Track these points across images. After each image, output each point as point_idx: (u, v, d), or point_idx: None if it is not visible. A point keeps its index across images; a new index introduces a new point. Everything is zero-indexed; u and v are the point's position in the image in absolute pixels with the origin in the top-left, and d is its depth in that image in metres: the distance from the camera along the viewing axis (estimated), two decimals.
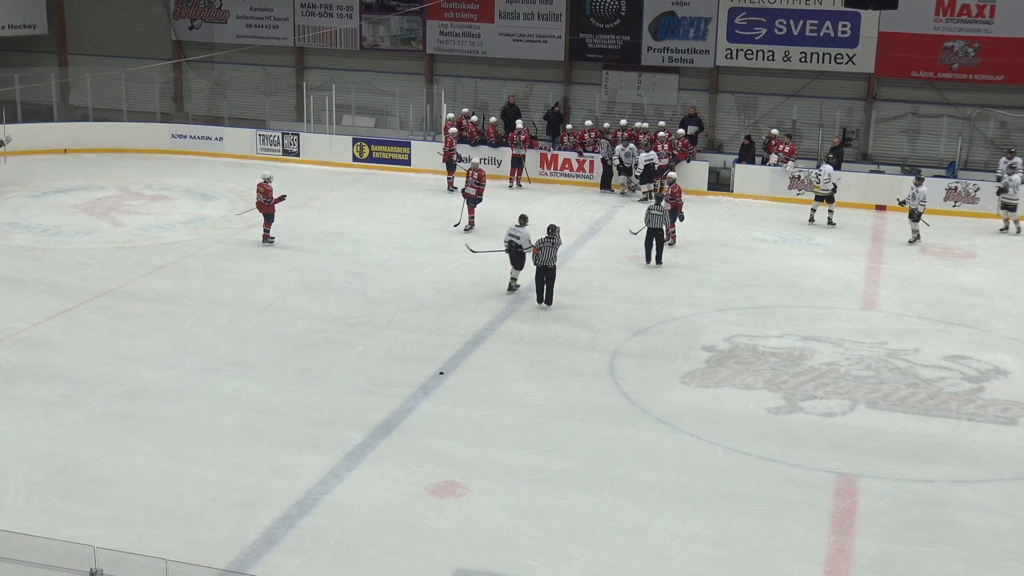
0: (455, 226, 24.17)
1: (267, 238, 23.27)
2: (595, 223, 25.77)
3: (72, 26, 37.60)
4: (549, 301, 19.30)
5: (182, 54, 35.92)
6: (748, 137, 30.21)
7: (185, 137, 33.28)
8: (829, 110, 31.23)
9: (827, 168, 26.74)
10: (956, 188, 27.80)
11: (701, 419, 14.93)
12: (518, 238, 19.95)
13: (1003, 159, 28.05)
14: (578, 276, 21.41)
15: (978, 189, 27.62)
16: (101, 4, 36.97)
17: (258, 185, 23.38)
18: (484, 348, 17.46)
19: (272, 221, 23.37)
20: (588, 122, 31.03)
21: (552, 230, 19.44)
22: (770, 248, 23.94)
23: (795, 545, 11.82)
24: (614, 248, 23.41)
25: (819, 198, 26.37)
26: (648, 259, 22.17)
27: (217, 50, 34.69)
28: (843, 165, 29.41)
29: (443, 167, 29.32)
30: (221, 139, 33.07)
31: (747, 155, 29.71)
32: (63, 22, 37.49)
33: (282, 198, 23.51)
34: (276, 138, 32.67)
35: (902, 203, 25.13)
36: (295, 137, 32.53)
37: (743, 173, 29.29)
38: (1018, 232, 25.87)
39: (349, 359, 16.80)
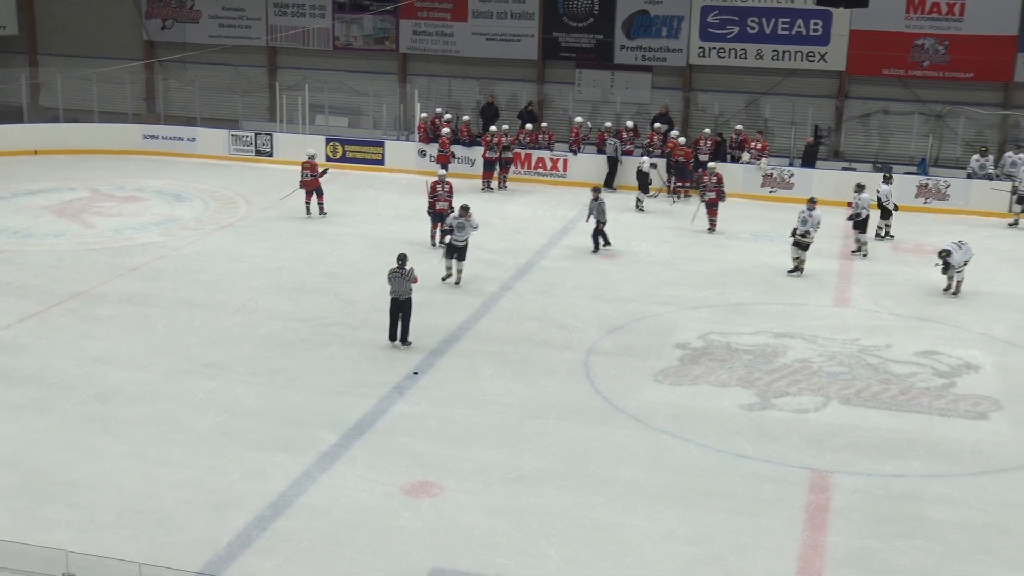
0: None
1: (322, 211, 25.59)
2: (569, 222, 25.79)
3: (42, 26, 37.39)
4: (404, 339, 17.33)
5: (154, 54, 35.77)
6: (719, 135, 30.32)
7: (157, 138, 33.09)
8: (801, 108, 31.39)
9: (885, 188, 26.33)
10: (927, 185, 27.98)
11: (675, 417, 14.97)
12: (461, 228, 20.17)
13: (1009, 154, 28.23)
14: (552, 275, 21.44)
15: (948, 186, 27.82)
16: (71, 4, 36.76)
17: (303, 163, 25.57)
18: (458, 347, 17.45)
19: (323, 195, 25.61)
20: (579, 118, 31.02)
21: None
22: (743, 246, 24.02)
23: (769, 541, 11.87)
24: (587, 247, 23.43)
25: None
26: (595, 248, 23.04)
27: (189, 50, 34.56)
28: (816, 163, 29.59)
29: (417, 166, 29.27)
30: (193, 140, 32.91)
31: (719, 153, 29.78)
32: (33, 22, 37.27)
33: (325, 171, 25.77)
34: (249, 138, 32.55)
35: (848, 218, 23.99)
36: (268, 137, 32.42)
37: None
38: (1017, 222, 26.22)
39: (323, 360, 16.77)
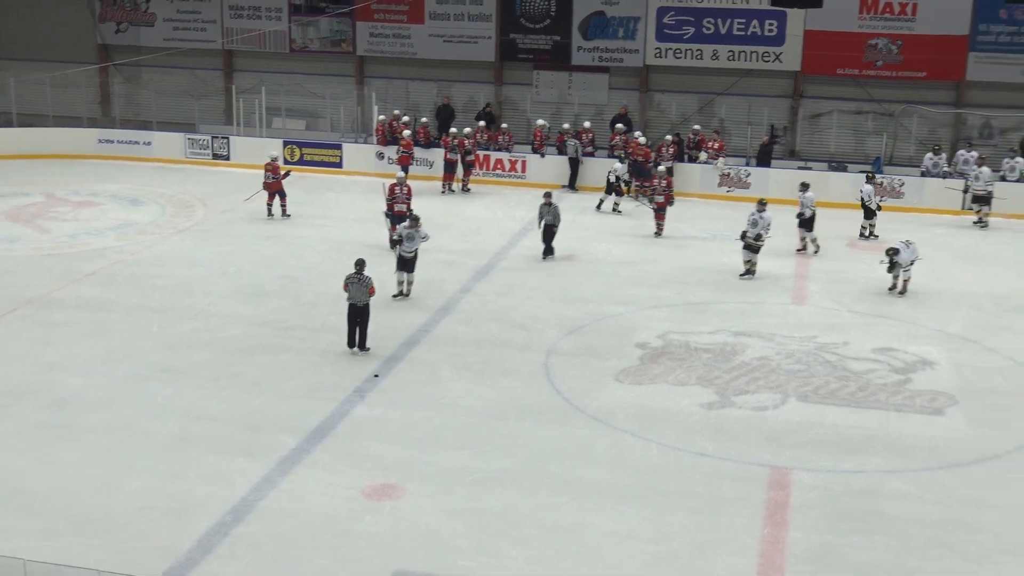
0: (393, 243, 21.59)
1: (284, 213, 25.69)
2: (528, 223, 25.80)
3: None
4: (362, 346, 17.13)
5: (108, 58, 35.51)
6: (677, 135, 30.47)
7: (112, 142, 32.85)
8: (757, 108, 31.62)
9: (986, 171, 26.80)
10: (882, 183, 28.22)
11: (635, 416, 15.03)
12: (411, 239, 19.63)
13: (962, 152, 28.51)
14: (512, 276, 21.46)
15: (903, 184, 28.10)
16: (24, 7, 36.36)
17: (266, 165, 25.67)
18: (419, 349, 17.44)
19: (286, 196, 25.71)
20: (540, 121, 31.07)
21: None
22: (701, 245, 24.15)
23: (729, 539, 11.95)
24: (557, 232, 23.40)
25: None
26: (545, 254, 22.66)
27: (144, 53, 34.29)
28: (771, 162, 29.82)
29: (375, 168, 29.19)
30: (149, 143, 32.70)
31: (677, 153, 29.90)
32: None
33: (287, 174, 25.85)
34: (205, 142, 32.36)
35: (800, 214, 23.89)
36: (225, 141, 32.25)
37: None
38: (981, 221, 26.49)
39: (282, 363, 16.70)
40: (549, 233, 22.60)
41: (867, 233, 25.18)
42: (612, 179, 27.41)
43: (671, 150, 28.89)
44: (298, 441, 14.00)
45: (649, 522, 12.25)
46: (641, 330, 18.51)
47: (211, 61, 35.40)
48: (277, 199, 25.73)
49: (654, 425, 14.76)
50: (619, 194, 27.34)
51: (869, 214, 25.12)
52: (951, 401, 15.84)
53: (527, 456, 13.80)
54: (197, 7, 35.17)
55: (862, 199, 25.15)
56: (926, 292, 20.99)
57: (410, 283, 19.78)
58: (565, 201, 28.33)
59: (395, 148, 30.14)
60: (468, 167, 29.52)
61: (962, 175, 27.77)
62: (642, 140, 29.01)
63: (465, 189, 29.41)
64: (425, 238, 19.85)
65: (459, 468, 13.40)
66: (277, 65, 34.87)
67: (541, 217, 22.73)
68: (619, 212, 26.84)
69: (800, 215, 23.61)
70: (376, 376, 16.21)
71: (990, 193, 26.52)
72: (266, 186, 25.68)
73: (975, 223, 26.59)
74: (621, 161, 27.87)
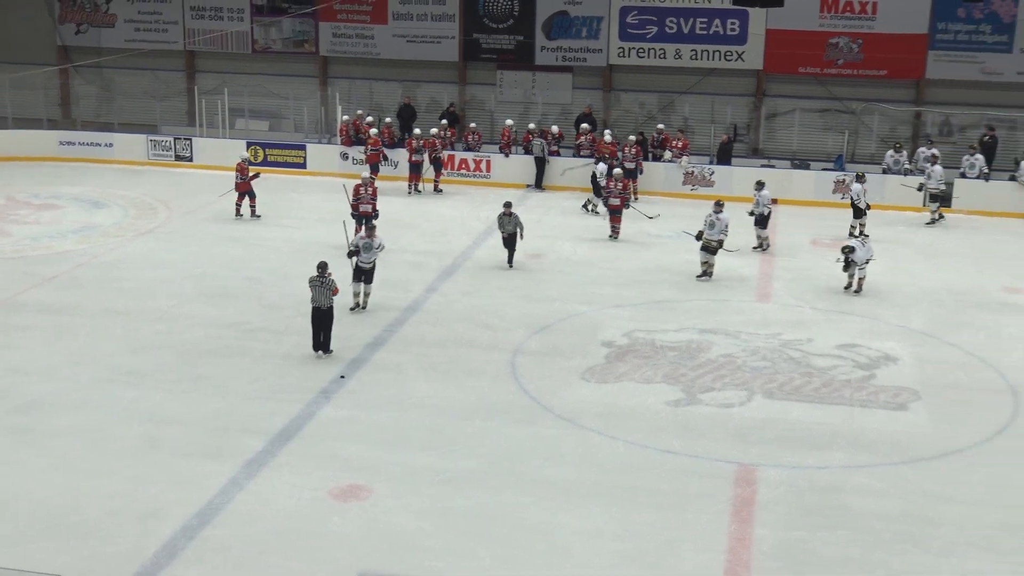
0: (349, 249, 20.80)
1: (253, 213, 25.67)
2: (493, 223, 25.80)
3: None
4: (326, 348, 17.01)
5: (68, 59, 35.21)
6: (641, 134, 30.58)
7: (74, 144, 32.56)
8: (720, 106, 31.77)
9: (939, 169, 26.90)
10: (844, 181, 28.43)
11: (602, 415, 15.08)
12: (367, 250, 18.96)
13: (922, 149, 28.75)
14: (477, 276, 21.48)
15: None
16: None
17: (237, 165, 25.69)
18: (385, 350, 17.41)
19: (255, 197, 25.67)
20: (508, 121, 31.08)
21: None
22: (665, 243, 24.22)
23: (696, 535, 12.01)
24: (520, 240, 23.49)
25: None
26: (510, 262, 22.02)
27: (105, 55, 33.99)
28: (734, 160, 30.00)
29: (339, 169, 29.08)
30: (111, 145, 32.44)
31: (640, 154, 30.02)
32: None
33: (256, 176, 25.74)
34: (168, 143, 32.16)
35: (750, 213, 23.81)
36: (187, 142, 32.06)
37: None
38: (934, 221, 26.67)
39: (248, 365, 16.63)
40: (511, 242, 21.98)
41: (856, 232, 25.04)
42: (602, 182, 27.26)
43: (634, 151, 28.88)
44: (264, 443, 13.95)
45: (616, 520, 12.30)
46: (607, 328, 18.56)
47: (173, 62, 35.17)
48: (247, 200, 25.70)
49: (621, 423, 14.82)
50: (598, 194, 27.33)
51: (859, 213, 24.95)
52: (914, 396, 16.00)
53: (494, 456, 13.82)
54: (158, 8, 34.93)
55: (851, 198, 25.10)
56: (888, 289, 21.18)
57: (367, 295, 19.15)
58: (532, 199, 28.46)
59: (359, 148, 30.15)
60: (438, 168, 29.47)
61: (922, 172, 28.00)
62: (608, 138, 29.10)
63: (437, 190, 29.35)
64: (381, 247, 19.18)
65: (426, 468, 13.40)
66: (240, 66, 34.68)
67: (502, 227, 22.02)
68: (596, 213, 26.74)
69: (752, 213, 23.61)
70: (342, 377, 16.18)
71: (942, 191, 26.76)
72: (236, 186, 25.67)
73: (927, 223, 26.75)
74: (604, 161, 27.87)
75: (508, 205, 22.08)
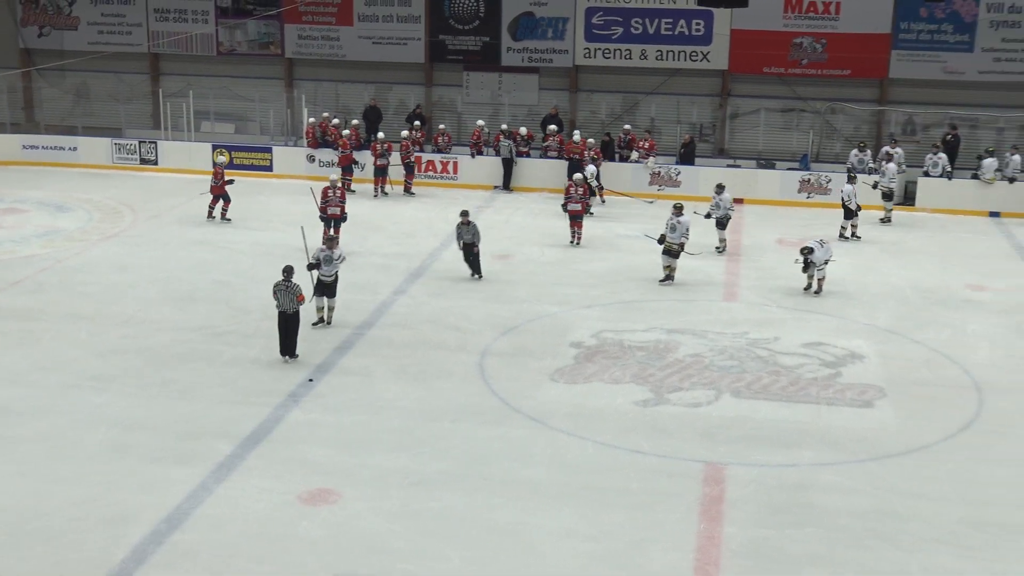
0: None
1: (224, 216, 25.62)
2: None
3: None
4: (292, 353, 16.85)
5: (31, 62, 34.91)
6: (607, 135, 30.68)
7: (37, 148, 32.32)
8: (685, 107, 31.91)
9: (892, 167, 27.13)
10: (809, 180, 28.66)
11: (571, 415, 15.10)
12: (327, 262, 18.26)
13: (886, 148, 28.93)
14: (445, 278, 21.45)
15: (830, 180, 28.50)
16: None
17: (214, 168, 25.86)
18: (353, 353, 17.37)
19: (229, 201, 25.67)
20: (480, 122, 31.07)
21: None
22: (632, 244, 24.27)
23: (666, 535, 12.05)
24: (480, 249, 23.47)
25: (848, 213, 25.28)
26: (473, 273, 21.35)
27: (68, 57, 33.67)
28: (698, 160, 30.14)
29: (306, 171, 28.97)
30: (75, 149, 32.19)
31: (608, 152, 30.12)
32: None
33: (230, 181, 25.67)
34: (133, 147, 31.95)
35: (707, 215, 23.77)
36: (153, 145, 31.86)
37: (603, 171, 29.57)
38: (887, 219, 26.83)
39: (215, 369, 16.55)
40: (469, 252, 21.28)
41: (848, 234, 25.16)
42: (593, 184, 27.24)
43: (592, 152, 28.66)
44: (232, 447, 13.88)
45: (587, 520, 12.32)
46: (575, 329, 18.60)
47: (137, 65, 34.94)
48: (220, 203, 25.70)
49: (590, 424, 14.84)
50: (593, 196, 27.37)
51: (849, 214, 24.99)
52: (880, 394, 16.12)
53: (464, 457, 13.81)
54: (122, 10, 34.70)
55: (843, 199, 25.09)
56: (854, 287, 21.33)
57: (331, 309, 18.45)
58: (500, 201, 28.49)
59: (326, 150, 30.13)
60: (410, 170, 29.40)
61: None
62: (576, 138, 29.18)
63: (409, 192, 29.29)
64: (342, 259, 18.47)
65: (396, 471, 13.38)
66: (205, 68, 34.50)
67: (459, 237, 21.27)
68: (591, 214, 26.68)
69: (708, 215, 23.48)
70: (311, 381, 16.12)
71: (892, 191, 26.94)
72: (211, 189, 25.65)
73: (881, 219, 26.97)
74: (594, 163, 27.86)
75: (465, 214, 21.30)
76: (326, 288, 18.26)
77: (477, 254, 21.32)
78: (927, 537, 12.10)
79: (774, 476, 13.46)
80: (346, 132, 29.65)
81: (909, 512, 12.65)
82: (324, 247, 18.39)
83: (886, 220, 26.91)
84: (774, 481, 13.33)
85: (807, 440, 14.49)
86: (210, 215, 25.68)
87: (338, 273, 18.42)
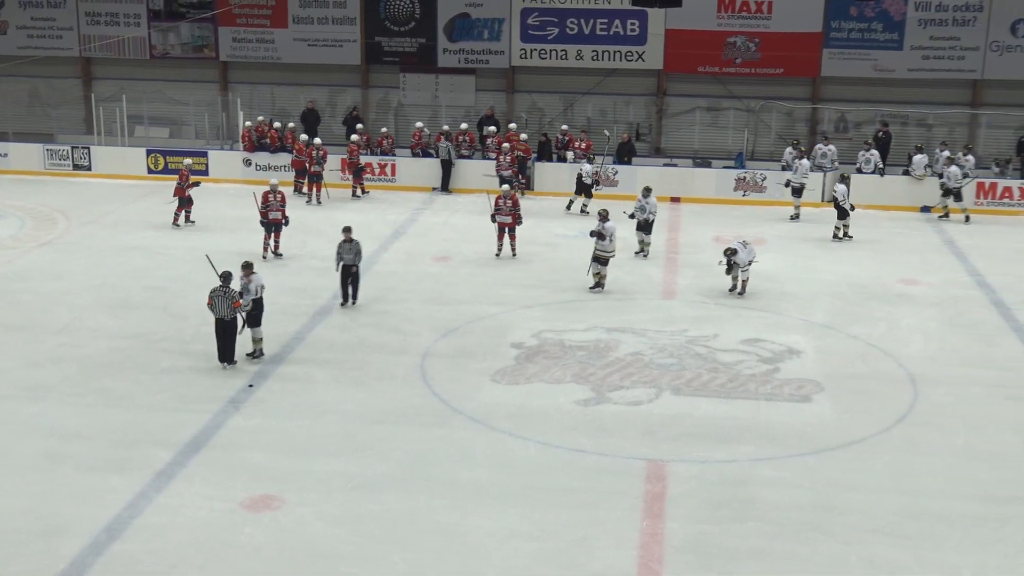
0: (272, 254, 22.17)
1: (188, 219, 25.56)
2: (399, 226, 25.81)
3: None
4: (231, 359, 16.59)
5: None
6: (544, 135, 30.76)
7: None
8: (622, 107, 32.09)
9: (805, 164, 27.40)
10: (744, 178, 28.94)
11: (513, 416, 15.14)
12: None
13: (819, 145, 29.27)
14: (385, 280, 21.39)
15: (765, 178, 28.81)
16: None
17: (180, 172, 25.77)
18: (293, 357, 17.28)
19: (191, 204, 25.52)
20: (419, 123, 30.99)
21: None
22: (571, 244, 24.34)
23: (609, 532, 12.13)
24: (419, 251, 23.51)
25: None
26: (344, 300, 19.66)
27: None
28: (636, 160, 30.31)
29: (242, 175, 28.75)
30: (5, 155, 31.64)
31: (544, 153, 30.19)
32: None
33: (196, 184, 25.68)
34: (65, 152, 31.49)
35: (631, 216, 23.32)
36: (85, 151, 31.43)
37: (542, 171, 29.71)
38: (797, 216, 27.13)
39: (153, 376, 16.37)
40: (347, 274, 19.51)
41: (840, 234, 25.22)
42: (588, 181, 27.22)
43: (508, 159, 27.91)
44: (172, 455, 13.76)
45: (530, 520, 12.36)
46: (516, 330, 18.64)
47: (68, 69, 34.42)
48: (184, 206, 25.61)
49: (532, 424, 14.89)
50: (588, 195, 27.35)
51: (843, 214, 25.06)
52: (817, 388, 16.33)
53: (406, 460, 13.80)
54: (52, 14, 34.15)
55: (835, 199, 25.17)
56: (790, 283, 21.58)
57: (258, 340, 17.09)
58: (438, 202, 28.46)
59: (263, 154, 29.98)
60: (358, 174, 29.21)
61: (820, 168, 28.60)
62: (523, 136, 29.26)
63: (364, 192, 29.15)
64: (261, 288, 17.09)
65: (338, 475, 13.34)
66: (138, 72, 34.08)
67: (340, 257, 19.42)
68: (586, 213, 26.65)
69: (632, 215, 23.28)
70: (251, 386, 16.02)
71: (803, 185, 27.24)
72: (175, 191, 25.51)
73: (792, 217, 27.23)
74: (590, 162, 27.81)
75: (348, 230, 19.55)
76: (251, 318, 16.96)
77: (357, 275, 19.60)
78: (865, 528, 12.29)
79: (715, 472, 13.59)
80: (303, 137, 29.33)
81: (847, 504, 12.83)
82: (242, 275, 16.99)
83: (795, 217, 27.13)
84: (715, 477, 13.47)
85: (747, 436, 14.65)
86: (175, 222, 25.41)
87: (263, 301, 17.16)
